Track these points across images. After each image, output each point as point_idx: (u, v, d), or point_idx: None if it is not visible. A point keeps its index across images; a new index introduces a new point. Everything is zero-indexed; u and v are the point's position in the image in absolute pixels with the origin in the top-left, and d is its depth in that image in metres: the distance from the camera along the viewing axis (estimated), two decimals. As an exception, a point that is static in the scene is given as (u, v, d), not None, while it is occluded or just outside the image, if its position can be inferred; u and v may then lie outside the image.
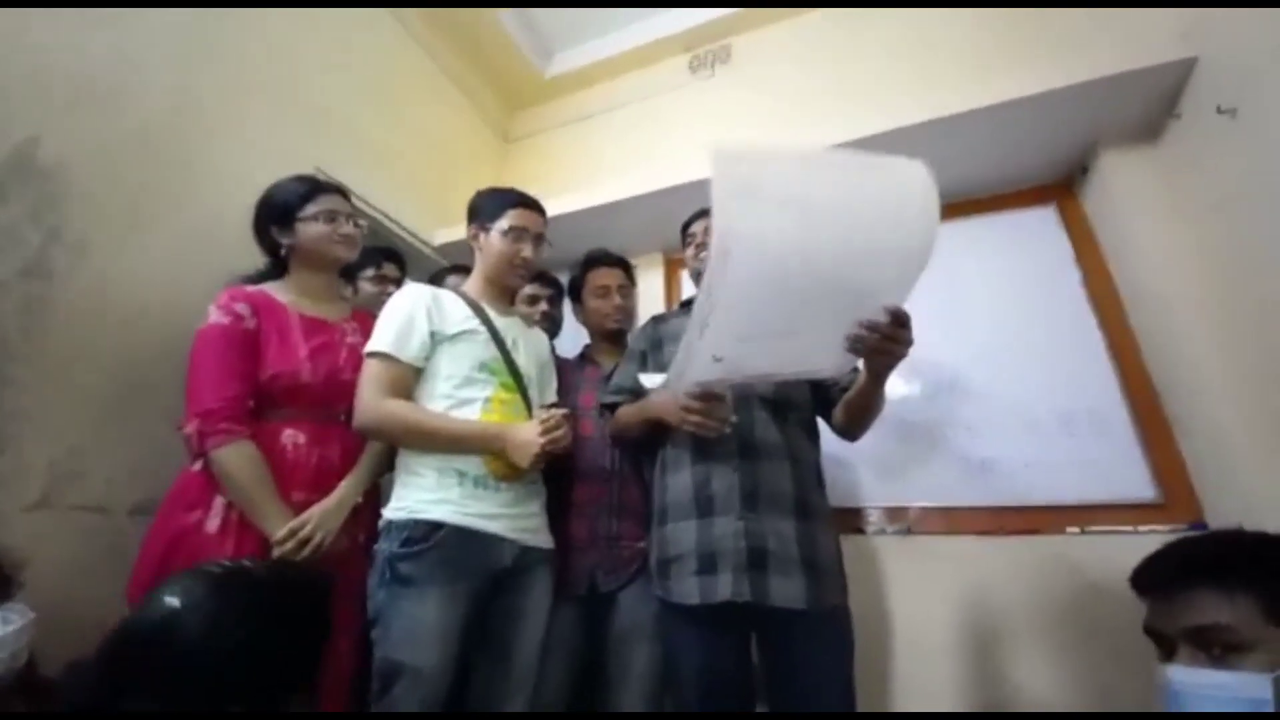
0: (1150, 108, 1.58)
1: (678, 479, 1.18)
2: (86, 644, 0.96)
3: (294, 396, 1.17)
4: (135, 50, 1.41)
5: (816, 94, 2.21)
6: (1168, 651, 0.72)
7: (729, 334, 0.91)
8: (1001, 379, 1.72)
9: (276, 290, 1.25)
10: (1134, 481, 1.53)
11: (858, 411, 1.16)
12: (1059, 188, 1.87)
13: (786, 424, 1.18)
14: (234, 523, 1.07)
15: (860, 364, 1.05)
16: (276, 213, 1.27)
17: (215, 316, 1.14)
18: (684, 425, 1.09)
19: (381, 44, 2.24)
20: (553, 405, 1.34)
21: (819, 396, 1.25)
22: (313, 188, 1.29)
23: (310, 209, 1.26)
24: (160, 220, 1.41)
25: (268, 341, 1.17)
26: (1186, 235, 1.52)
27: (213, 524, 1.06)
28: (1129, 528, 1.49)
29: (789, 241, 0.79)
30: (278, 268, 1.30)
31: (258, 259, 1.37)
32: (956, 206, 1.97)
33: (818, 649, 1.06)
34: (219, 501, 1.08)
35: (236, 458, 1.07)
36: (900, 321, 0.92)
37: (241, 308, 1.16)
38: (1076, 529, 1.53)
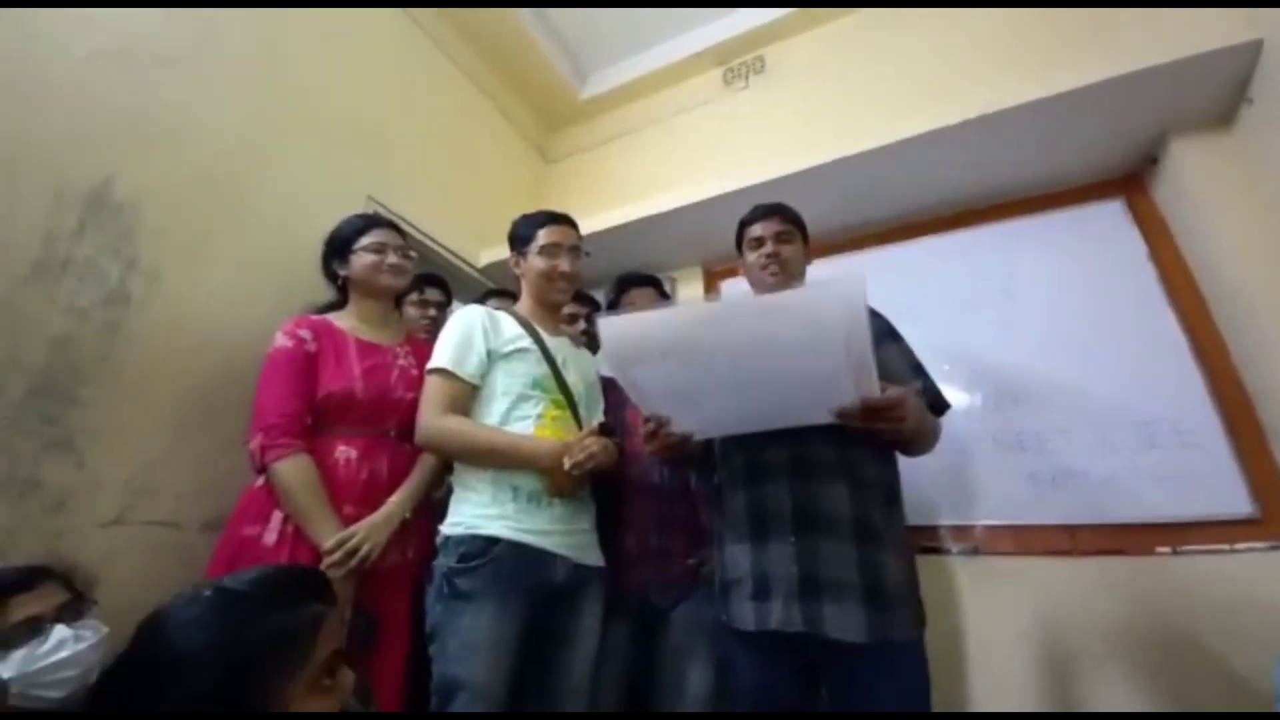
0: (1220, 93, 1.49)
1: (733, 500, 1.15)
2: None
3: (346, 412, 1.23)
4: (200, 91, 1.50)
5: (855, 98, 2.17)
6: None
7: (686, 422, 1.05)
8: (1073, 387, 1.61)
9: (338, 318, 1.34)
10: (1227, 495, 1.40)
11: (895, 444, 1.10)
12: (1126, 181, 1.77)
13: (848, 440, 1.08)
14: (289, 535, 1.11)
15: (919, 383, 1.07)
16: (336, 247, 1.38)
17: (281, 341, 1.23)
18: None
19: (425, 73, 2.33)
20: (600, 425, 1.35)
21: None
22: (366, 223, 1.40)
23: (363, 241, 1.36)
24: (225, 250, 1.50)
25: (325, 362, 1.24)
26: (1272, 225, 1.40)
27: (270, 537, 1.11)
28: (1225, 546, 1.36)
29: (680, 376, 0.97)
30: (342, 298, 1.40)
31: (313, 284, 1.44)
32: (1012, 205, 1.88)
33: (885, 688, 0.97)
34: (277, 515, 1.13)
35: (292, 470, 1.12)
36: (871, 409, 0.90)
37: (304, 332, 1.25)
38: (1167, 549, 1.40)
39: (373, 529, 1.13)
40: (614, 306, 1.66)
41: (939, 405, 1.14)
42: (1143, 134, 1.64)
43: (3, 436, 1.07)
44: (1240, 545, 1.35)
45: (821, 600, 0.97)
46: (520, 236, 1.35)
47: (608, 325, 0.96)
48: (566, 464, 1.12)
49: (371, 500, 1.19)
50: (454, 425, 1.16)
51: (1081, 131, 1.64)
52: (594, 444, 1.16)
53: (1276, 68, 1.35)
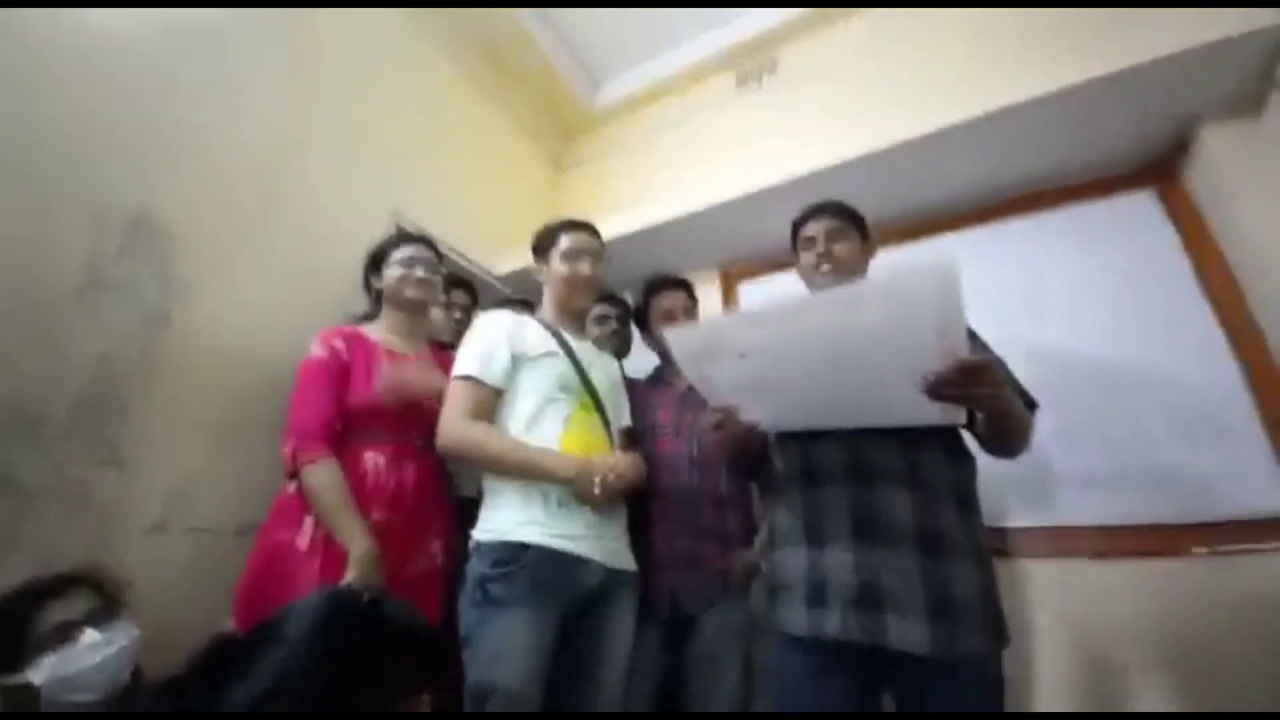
0: (1248, 78, 1.44)
1: (786, 502, 1.11)
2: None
3: (375, 420, 1.27)
4: (230, 115, 1.56)
5: (872, 95, 2.15)
6: None
7: (756, 414, 1.02)
8: (1106, 383, 1.57)
9: (370, 329, 1.39)
10: (1266, 492, 1.36)
11: (987, 436, 1.03)
12: (1157, 170, 1.71)
13: (913, 444, 1.02)
14: (321, 540, 1.14)
15: None
16: (372, 260, 1.46)
17: (316, 350, 1.28)
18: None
19: (442, 90, 2.38)
20: (628, 430, 1.37)
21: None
22: (400, 239, 1.48)
23: (394, 255, 1.42)
24: (255, 266, 1.55)
25: (356, 371, 1.28)
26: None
27: (303, 542, 1.14)
28: (1265, 545, 1.31)
29: (756, 373, 0.94)
30: (377, 309, 1.47)
31: (341, 296, 1.49)
32: (1040, 197, 1.84)
33: (955, 704, 0.92)
34: (309, 520, 1.16)
35: (323, 475, 1.15)
36: (967, 371, 0.81)
37: (338, 342, 1.30)
38: (1204, 549, 1.36)
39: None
40: (643, 310, 1.66)
41: (1028, 402, 1.06)
42: (1171, 122, 1.60)
43: (53, 452, 1.12)
44: (1282, 544, 1.30)
45: (884, 610, 0.93)
46: (544, 243, 1.38)
47: (676, 336, 0.96)
48: (596, 489, 1.11)
49: (400, 505, 1.22)
50: (477, 434, 1.16)
51: (1106, 121, 1.60)
52: (622, 464, 1.16)
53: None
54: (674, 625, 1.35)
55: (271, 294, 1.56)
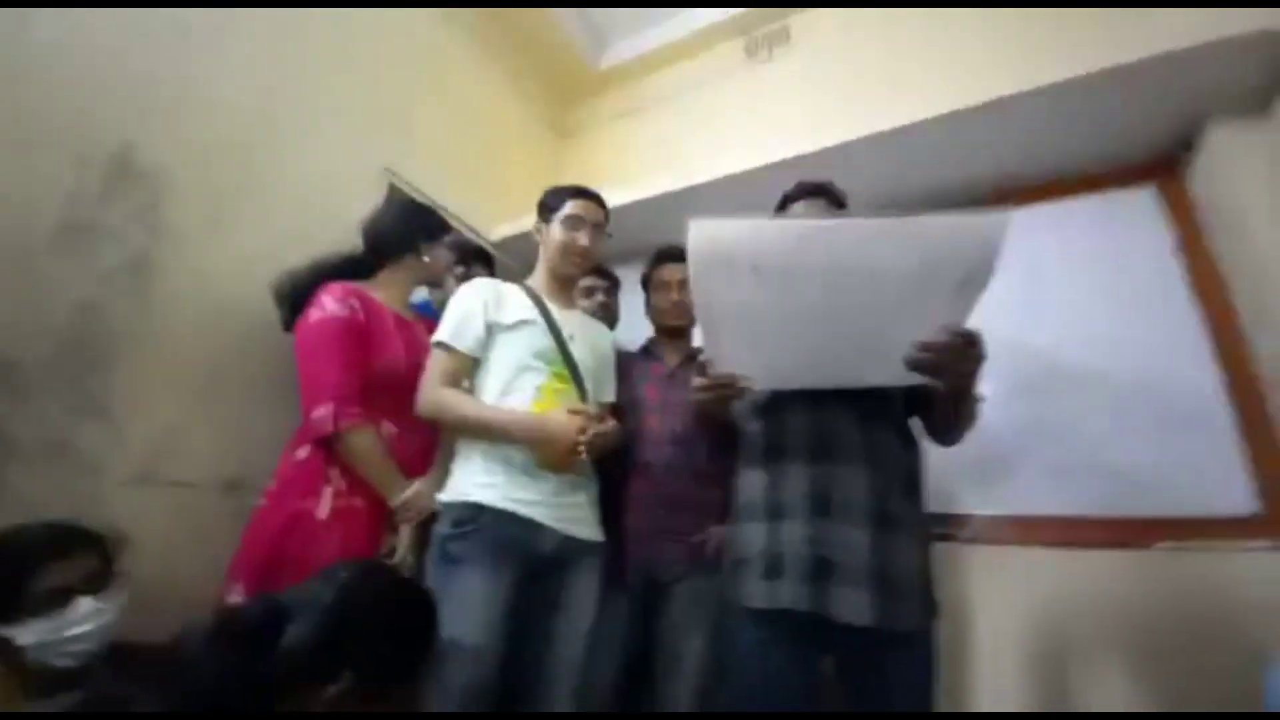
0: (1260, 77, 1.41)
1: (749, 478, 1.14)
2: (176, 613, 1.03)
3: (391, 387, 1.25)
4: (222, 59, 1.51)
5: (882, 72, 2.09)
6: None
7: (744, 368, 1.00)
8: (1090, 378, 1.59)
9: (370, 288, 1.35)
10: (1235, 493, 1.39)
11: (940, 420, 1.08)
12: (1160, 166, 1.69)
13: (871, 425, 1.07)
14: (340, 511, 1.16)
15: None
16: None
17: (334, 309, 1.23)
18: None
19: (440, 45, 2.29)
20: (611, 405, 1.36)
21: (911, 396, 1.11)
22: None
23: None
24: (247, 218, 1.52)
25: (373, 336, 1.27)
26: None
27: (323, 511, 1.15)
28: (1227, 544, 1.35)
29: (759, 302, 0.89)
30: (366, 265, 1.40)
31: (330, 249, 1.43)
32: (1040, 189, 1.82)
33: (893, 674, 0.98)
34: (328, 490, 1.17)
35: (367, 439, 1.19)
36: (968, 341, 0.86)
37: (355, 302, 1.26)
38: (1168, 544, 1.40)
39: (429, 486, 1.24)
40: (649, 279, 1.65)
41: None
42: (1178, 118, 1.57)
43: (33, 401, 1.11)
44: (1242, 544, 1.33)
45: (830, 582, 0.97)
46: (548, 205, 1.35)
47: (700, 227, 0.85)
48: (578, 434, 1.13)
49: (412, 473, 1.25)
50: (445, 398, 1.18)
51: (1115, 113, 1.56)
52: (609, 434, 1.18)
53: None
54: (646, 595, 1.38)
55: (260, 244, 1.53)
